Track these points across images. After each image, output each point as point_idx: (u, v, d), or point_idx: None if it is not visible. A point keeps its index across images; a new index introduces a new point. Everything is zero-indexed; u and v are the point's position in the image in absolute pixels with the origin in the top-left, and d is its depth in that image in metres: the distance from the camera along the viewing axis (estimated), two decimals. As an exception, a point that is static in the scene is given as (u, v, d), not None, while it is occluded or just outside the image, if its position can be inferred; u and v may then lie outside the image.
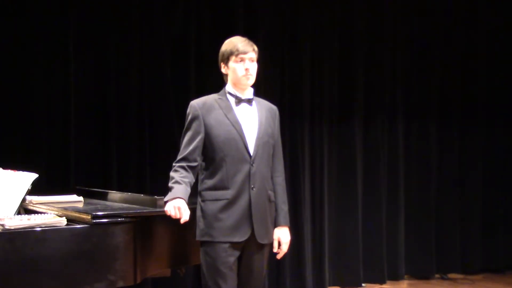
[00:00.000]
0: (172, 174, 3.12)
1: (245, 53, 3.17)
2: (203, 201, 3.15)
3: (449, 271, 6.53)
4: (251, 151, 3.14)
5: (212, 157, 3.14)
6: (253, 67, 3.21)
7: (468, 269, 6.57)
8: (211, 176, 3.14)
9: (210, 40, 5.33)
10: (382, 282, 6.13)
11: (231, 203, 3.10)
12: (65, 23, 4.96)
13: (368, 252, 6.12)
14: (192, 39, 5.39)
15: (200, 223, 3.15)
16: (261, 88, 5.05)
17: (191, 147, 3.14)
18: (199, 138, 3.14)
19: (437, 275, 6.46)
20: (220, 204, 3.10)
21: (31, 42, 4.87)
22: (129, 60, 5.17)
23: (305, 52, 5.92)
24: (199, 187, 3.19)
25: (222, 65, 3.24)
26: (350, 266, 6.03)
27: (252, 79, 3.21)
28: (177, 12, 5.37)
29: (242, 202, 3.11)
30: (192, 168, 3.14)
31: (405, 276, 6.34)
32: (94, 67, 5.07)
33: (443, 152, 6.59)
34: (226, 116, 3.16)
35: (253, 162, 3.13)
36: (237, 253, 3.13)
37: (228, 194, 3.10)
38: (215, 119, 3.15)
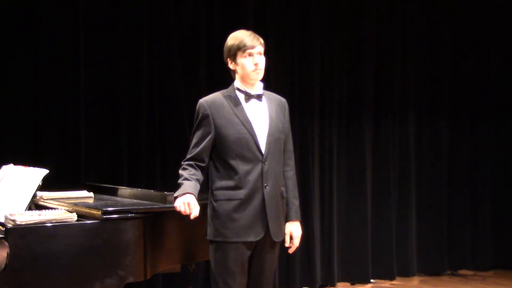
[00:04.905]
0: (181, 172, 3.09)
1: (253, 47, 3.09)
2: (215, 200, 3.09)
3: (460, 268, 6.51)
4: (263, 149, 3.08)
5: (224, 157, 3.08)
6: (262, 61, 3.12)
7: (479, 266, 6.54)
8: (223, 176, 3.08)
9: (220, 36, 5.29)
10: (391, 278, 6.11)
11: (244, 202, 3.04)
12: (75, 19, 4.96)
13: (378, 248, 6.10)
14: (202, 35, 5.39)
15: (213, 223, 3.10)
16: (271, 85, 5.03)
17: (200, 147, 3.09)
18: (208, 138, 3.09)
19: (447, 272, 6.44)
20: (234, 204, 3.04)
21: (40, 39, 4.88)
22: (139, 57, 5.17)
23: (315, 49, 5.91)
24: (211, 187, 3.13)
25: (229, 61, 3.16)
26: (359, 262, 6.02)
27: (262, 73, 3.13)
28: (187, 8, 5.37)
29: (256, 202, 3.06)
30: (200, 167, 3.10)
31: (416, 273, 6.31)
32: (104, 63, 5.07)
33: (454, 148, 6.55)
34: (235, 114, 3.09)
35: (265, 160, 3.08)
36: (248, 252, 3.09)
37: (241, 194, 3.04)
38: (225, 118, 3.08)
